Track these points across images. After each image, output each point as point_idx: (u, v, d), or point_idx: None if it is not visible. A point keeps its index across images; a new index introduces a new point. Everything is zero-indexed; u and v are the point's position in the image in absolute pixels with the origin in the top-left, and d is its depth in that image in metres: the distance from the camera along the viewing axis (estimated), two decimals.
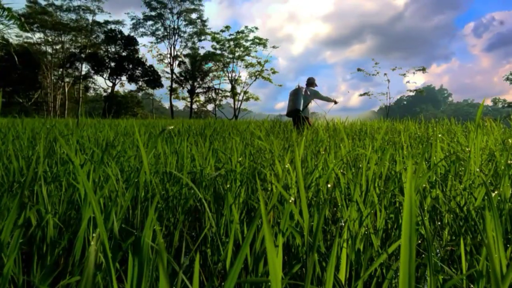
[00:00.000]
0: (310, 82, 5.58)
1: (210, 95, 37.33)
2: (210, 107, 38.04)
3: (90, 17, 34.55)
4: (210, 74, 37.06)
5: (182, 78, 37.04)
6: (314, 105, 5.54)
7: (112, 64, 35.66)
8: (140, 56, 36.88)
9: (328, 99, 5.51)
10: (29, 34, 31.62)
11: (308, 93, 5.34)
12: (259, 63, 34.88)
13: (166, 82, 60.54)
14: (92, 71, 35.53)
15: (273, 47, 34.94)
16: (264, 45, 34.26)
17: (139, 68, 36.37)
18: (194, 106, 38.05)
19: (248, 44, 34.38)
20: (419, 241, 1.10)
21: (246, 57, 35.05)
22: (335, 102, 5.60)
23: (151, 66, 37.00)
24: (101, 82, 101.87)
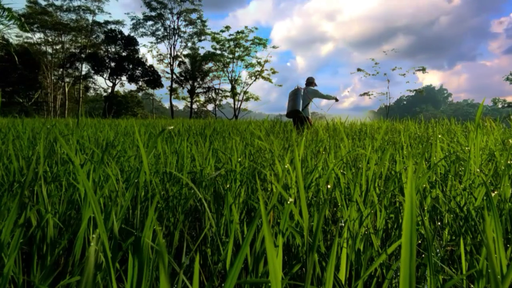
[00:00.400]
0: (310, 82, 5.55)
1: (210, 95, 37.34)
2: (210, 107, 38.07)
3: (90, 17, 34.58)
4: (210, 74, 37.08)
5: (182, 78, 37.04)
6: (313, 104, 5.52)
7: (112, 64, 35.66)
8: (140, 56, 36.89)
9: (328, 97, 5.44)
10: (29, 34, 31.66)
11: (308, 93, 5.32)
12: (259, 63, 34.90)
13: (166, 82, 60.49)
14: (92, 71, 35.54)
15: (273, 47, 34.98)
16: (264, 45, 34.28)
17: (139, 68, 36.37)
18: (194, 106, 38.07)
19: (248, 44, 34.41)
20: (419, 241, 1.10)
21: (246, 57, 35.09)
22: (336, 100, 5.51)
23: (151, 66, 37.00)
24: (101, 82, 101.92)
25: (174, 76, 36.76)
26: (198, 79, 37.11)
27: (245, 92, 35.83)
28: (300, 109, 5.15)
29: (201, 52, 37.39)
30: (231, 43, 34.41)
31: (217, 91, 36.99)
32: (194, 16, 36.80)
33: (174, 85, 36.77)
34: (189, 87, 37.06)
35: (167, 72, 37.68)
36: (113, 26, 36.08)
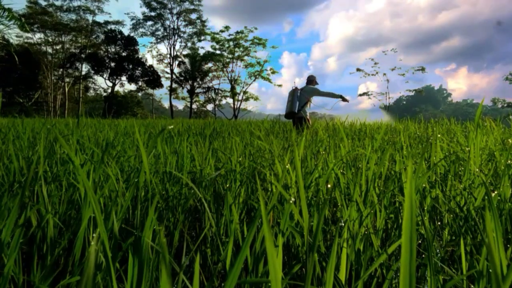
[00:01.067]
0: (310, 80, 5.45)
1: (209, 95, 37.34)
2: (209, 107, 38.06)
3: (90, 18, 34.61)
4: (210, 74, 37.09)
5: (182, 78, 37.05)
6: (313, 104, 5.45)
7: (112, 64, 35.67)
8: (140, 56, 36.91)
9: (332, 95, 5.22)
10: (29, 35, 31.65)
11: (305, 92, 5.22)
12: (258, 63, 34.93)
13: (166, 82, 60.42)
14: (92, 71, 35.56)
15: (272, 47, 35.08)
16: (264, 45, 34.31)
17: (139, 68, 36.38)
18: (194, 106, 38.07)
19: (247, 44, 34.44)
20: (419, 241, 1.10)
21: (246, 57, 35.14)
22: (343, 99, 5.18)
23: (151, 66, 37.01)
24: (101, 82, 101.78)
25: (174, 76, 36.77)
26: (198, 79, 37.12)
27: (245, 92, 35.87)
28: (296, 110, 5.10)
29: (201, 52, 37.43)
30: (231, 43, 34.43)
31: (216, 91, 37.00)
32: (193, 16, 36.85)
33: (174, 85, 36.79)
34: (188, 87, 37.07)
35: (167, 72, 37.75)
36: (113, 26, 36.11)
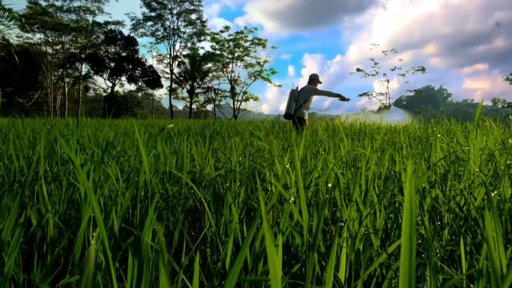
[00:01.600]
0: (311, 79, 5.39)
1: (209, 95, 37.35)
2: (209, 107, 38.08)
3: (90, 18, 34.64)
4: (210, 74, 37.11)
5: (182, 78, 37.06)
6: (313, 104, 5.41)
7: (112, 64, 35.69)
8: (139, 57, 36.92)
9: (330, 94, 5.16)
10: (29, 35, 31.67)
11: (303, 91, 5.17)
12: (258, 63, 34.95)
13: (165, 82, 60.38)
14: (92, 72, 35.60)
15: (272, 47, 35.13)
16: (264, 46, 34.32)
17: (139, 69, 36.40)
18: (194, 106, 38.09)
19: (247, 44, 34.45)
20: (419, 241, 1.10)
21: (246, 57, 35.15)
22: (341, 98, 5.12)
23: (150, 66, 37.03)
24: (101, 82, 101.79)
25: (174, 76, 36.79)
26: (198, 79, 37.14)
27: (245, 92, 35.87)
28: (292, 112, 5.08)
29: (201, 52, 37.45)
30: (231, 43, 34.45)
31: (216, 91, 37.00)
32: (193, 16, 36.87)
33: (174, 85, 36.81)
34: (188, 87, 37.08)
35: (167, 72, 37.76)
36: (113, 27, 36.13)
